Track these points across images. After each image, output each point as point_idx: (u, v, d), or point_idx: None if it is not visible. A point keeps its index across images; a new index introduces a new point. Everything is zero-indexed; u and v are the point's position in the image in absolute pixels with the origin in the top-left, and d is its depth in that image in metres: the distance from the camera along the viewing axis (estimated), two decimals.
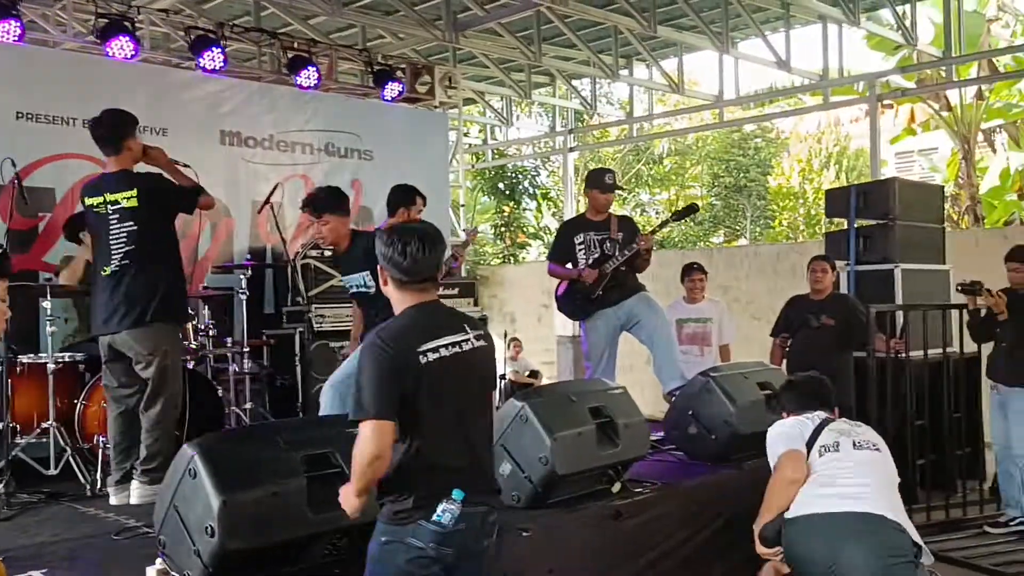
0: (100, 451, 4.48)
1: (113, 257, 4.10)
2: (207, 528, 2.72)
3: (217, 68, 7.20)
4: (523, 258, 19.09)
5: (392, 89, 8.38)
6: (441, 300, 2.66)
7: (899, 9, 9.89)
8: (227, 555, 2.73)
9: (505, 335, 11.00)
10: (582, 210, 6.33)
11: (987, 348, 5.61)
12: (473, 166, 15.98)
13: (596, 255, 5.43)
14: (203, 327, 5.45)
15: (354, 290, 4.50)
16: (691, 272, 6.71)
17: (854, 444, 3.44)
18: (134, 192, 4.09)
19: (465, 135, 13.39)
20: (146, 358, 4.08)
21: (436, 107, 9.07)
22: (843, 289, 6.42)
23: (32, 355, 4.80)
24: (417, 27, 9.12)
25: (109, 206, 4.12)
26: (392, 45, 10.03)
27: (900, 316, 6.01)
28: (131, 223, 4.09)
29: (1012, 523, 5.30)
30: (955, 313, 5.83)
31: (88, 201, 4.24)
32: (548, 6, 8.70)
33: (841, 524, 3.23)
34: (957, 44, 9.38)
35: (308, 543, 2.99)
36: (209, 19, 7.96)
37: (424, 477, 2.42)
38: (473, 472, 2.49)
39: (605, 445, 3.94)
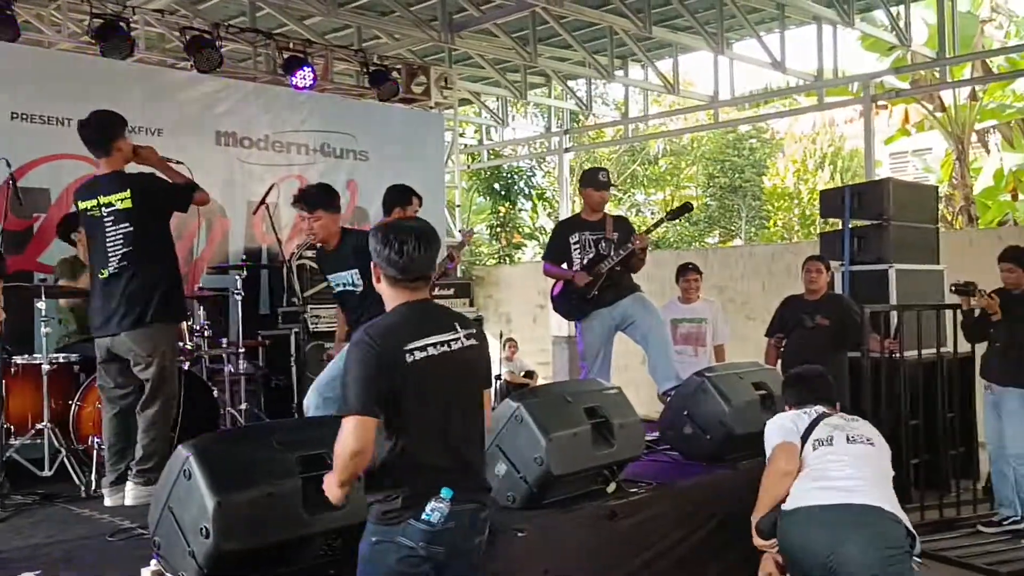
0: (95, 452, 4.47)
1: (111, 260, 4.09)
2: (202, 529, 2.72)
3: (213, 69, 7.20)
4: (519, 258, 19.09)
5: (388, 89, 8.39)
6: (434, 299, 2.66)
7: (893, 10, 9.93)
8: (222, 556, 2.73)
9: (501, 335, 11.00)
10: (577, 211, 6.34)
11: (981, 348, 5.63)
12: (469, 167, 15.98)
13: (591, 255, 5.44)
14: (198, 328, 5.45)
15: (340, 289, 4.48)
16: (686, 272, 6.72)
17: (847, 438, 3.46)
18: (128, 193, 4.07)
19: (461, 136, 13.39)
20: (145, 359, 4.07)
21: (432, 108, 9.08)
22: (838, 289, 6.43)
23: (26, 356, 4.80)
24: (413, 28, 9.12)
25: (103, 209, 4.10)
26: (388, 46, 10.03)
27: (894, 316, 6.03)
28: (127, 224, 4.08)
29: (1006, 522, 5.32)
30: (949, 313, 5.85)
31: (82, 205, 4.21)
32: (544, 7, 8.71)
33: (839, 516, 3.26)
34: (951, 45, 9.42)
35: (303, 544, 2.98)
36: (204, 19, 7.96)
37: (411, 476, 2.42)
38: (462, 470, 2.49)
39: (600, 445, 3.94)
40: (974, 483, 6.04)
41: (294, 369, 5.98)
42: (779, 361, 6.19)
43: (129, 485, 4.05)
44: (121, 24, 6.75)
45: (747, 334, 8.07)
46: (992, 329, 5.34)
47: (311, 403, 4.38)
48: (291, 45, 8.04)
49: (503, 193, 18.85)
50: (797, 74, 10.76)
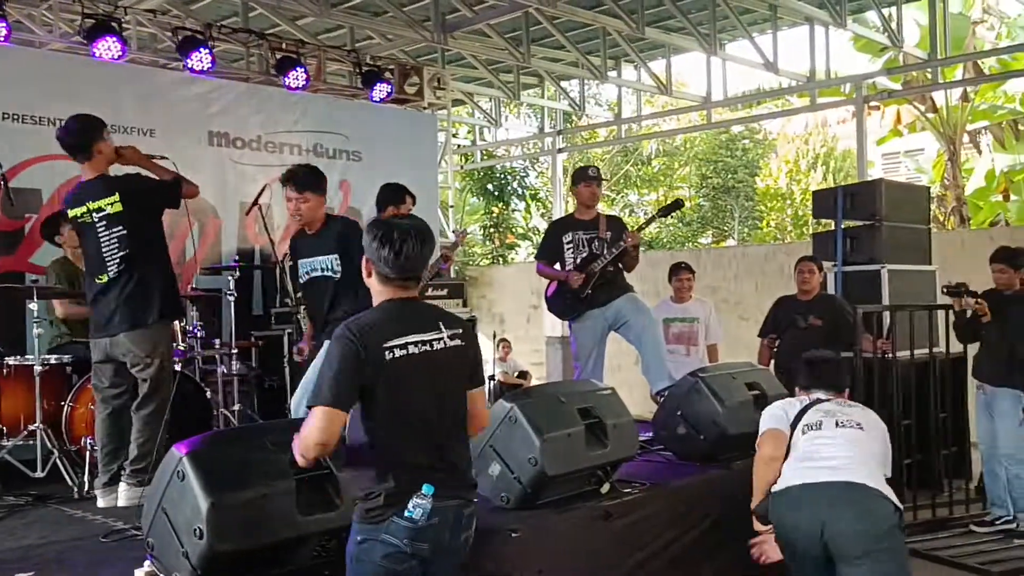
0: (87, 453, 4.46)
1: (108, 264, 4.07)
2: (195, 530, 2.71)
3: (205, 69, 7.18)
4: (512, 259, 19.10)
5: (381, 90, 8.38)
6: (428, 299, 2.66)
7: (885, 11, 9.96)
8: (216, 557, 2.72)
9: (494, 336, 11.00)
10: (570, 211, 6.35)
11: (973, 348, 5.66)
12: (462, 167, 15.98)
13: (584, 254, 5.45)
14: (191, 328, 5.44)
15: (317, 274, 4.37)
16: (679, 271, 6.73)
17: (837, 423, 3.51)
18: (117, 197, 4.05)
19: (454, 136, 13.40)
20: (144, 360, 4.07)
21: (425, 108, 9.07)
22: (830, 290, 6.45)
23: (18, 357, 4.78)
24: (405, 28, 9.12)
25: (94, 214, 4.08)
26: (380, 46, 10.02)
27: (887, 316, 6.05)
28: (120, 228, 4.06)
29: (998, 522, 5.34)
30: (941, 313, 5.88)
31: (71, 213, 4.19)
32: (536, 7, 8.71)
33: (824, 492, 3.31)
34: (942, 46, 9.45)
35: (297, 545, 2.98)
36: (197, 20, 7.94)
37: (392, 474, 2.43)
38: (444, 468, 2.50)
39: (594, 446, 3.94)
40: (966, 483, 6.06)
41: (287, 370, 5.98)
42: (772, 361, 6.20)
43: (122, 486, 4.04)
44: (113, 24, 6.73)
45: (740, 334, 8.09)
46: (984, 330, 5.36)
47: (294, 405, 4.35)
48: (284, 45, 8.02)
49: (496, 194, 18.87)
50: (789, 75, 10.79)
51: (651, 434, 5.03)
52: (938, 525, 5.47)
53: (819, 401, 3.63)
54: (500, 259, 18.73)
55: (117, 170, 4.28)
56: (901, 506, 3.36)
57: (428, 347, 2.50)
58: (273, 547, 2.91)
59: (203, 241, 7.02)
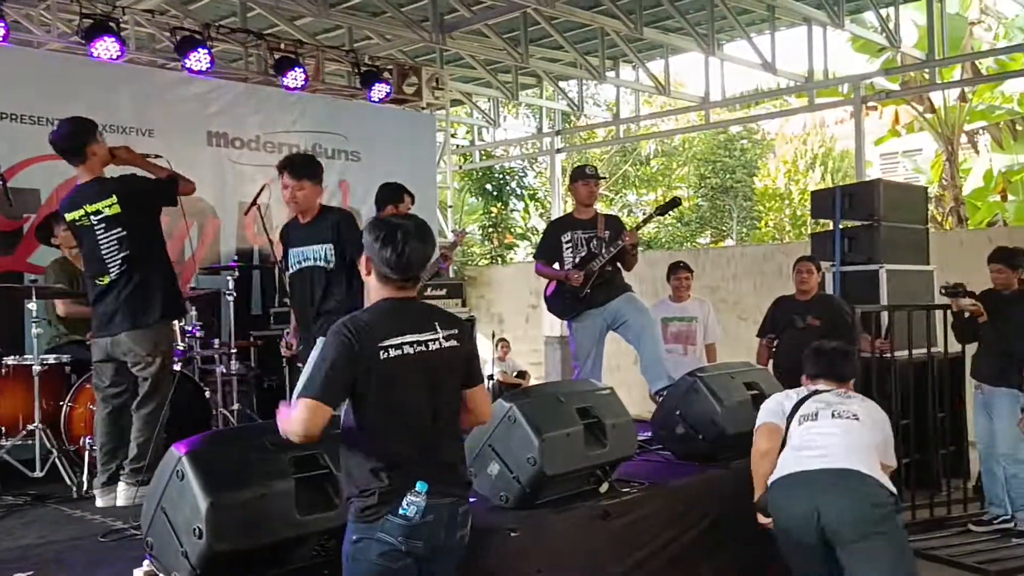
0: (86, 453, 4.46)
1: (110, 266, 4.07)
2: (195, 530, 2.71)
3: (203, 69, 7.18)
4: (511, 259, 19.10)
5: (379, 90, 8.38)
6: (426, 299, 2.67)
7: (883, 12, 9.97)
8: (215, 557, 2.72)
9: (493, 336, 11.01)
10: (569, 210, 6.36)
11: (971, 348, 5.66)
12: (461, 167, 15.98)
13: (583, 253, 5.46)
14: (190, 328, 5.44)
15: (309, 264, 4.33)
16: (677, 270, 6.74)
17: (833, 414, 3.53)
18: (114, 199, 4.05)
19: (452, 136, 13.40)
20: (146, 359, 4.07)
21: (423, 108, 9.07)
22: (828, 290, 6.46)
23: (17, 357, 4.78)
24: (404, 28, 9.12)
25: (92, 217, 4.07)
26: (379, 46, 10.02)
27: (885, 316, 6.06)
28: (119, 229, 4.06)
29: (996, 521, 5.35)
30: (939, 313, 5.88)
31: (69, 216, 4.18)
32: (535, 8, 8.72)
33: (819, 479, 3.35)
34: (940, 47, 9.46)
35: (296, 544, 2.98)
36: (195, 20, 7.94)
37: (386, 472, 2.44)
38: (438, 466, 2.51)
39: (593, 445, 3.95)
40: (964, 482, 6.08)
41: (286, 369, 5.98)
42: (771, 361, 6.21)
43: (121, 486, 4.04)
44: (111, 24, 6.73)
45: (739, 334, 8.10)
46: (982, 330, 5.37)
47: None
48: (282, 45, 8.02)
49: (495, 194, 18.87)
50: (788, 75, 10.80)
51: (650, 434, 5.03)
52: (936, 524, 5.48)
53: (817, 392, 3.66)
54: (499, 259, 18.73)
55: (112, 170, 4.27)
56: (896, 492, 3.39)
57: (423, 347, 2.51)
58: (272, 547, 2.91)
59: (202, 241, 7.02)
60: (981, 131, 15.09)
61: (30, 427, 4.55)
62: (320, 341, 3.94)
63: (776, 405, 3.72)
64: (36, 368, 4.53)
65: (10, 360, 4.74)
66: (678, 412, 4.78)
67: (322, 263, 4.30)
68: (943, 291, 5.47)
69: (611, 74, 11.47)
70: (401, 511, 2.40)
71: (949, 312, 5.60)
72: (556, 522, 3.70)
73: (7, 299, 5.16)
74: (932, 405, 5.83)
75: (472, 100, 12.73)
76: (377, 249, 2.50)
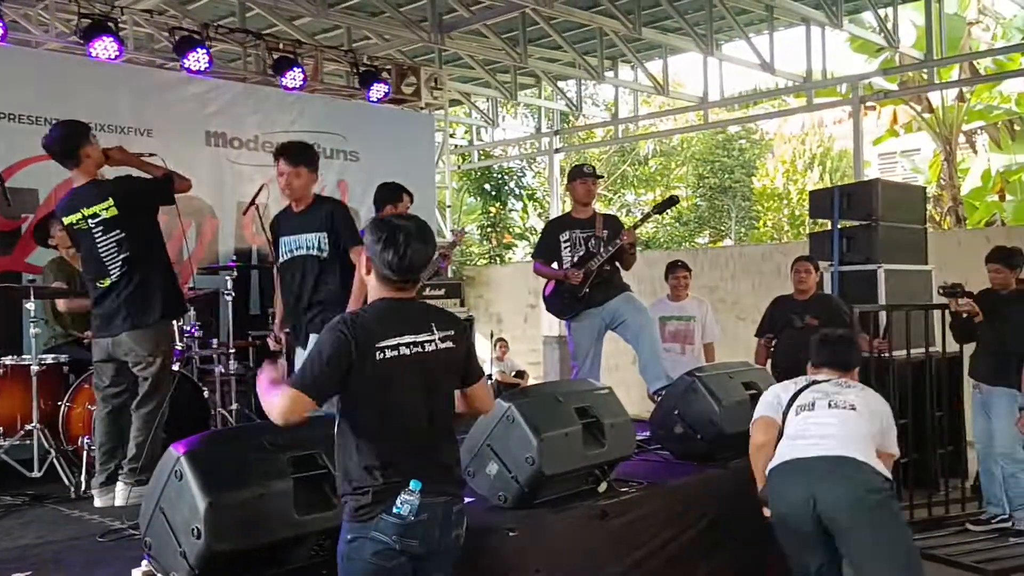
0: (84, 453, 4.46)
1: (110, 268, 4.07)
2: (193, 530, 2.71)
3: (202, 69, 7.18)
4: (509, 258, 19.10)
5: (378, 90, 8.38)
6: (425, 299, 2.67)
7: (881, 12, 9.98)
8: (213, 557, 2.72)
9: (491, 335, 11.01)
10: (567, 210, 6.36)
11: (969, 348, 5.67)
12: (459, 167, 15.98)
13: (581, 253, 5.46)
14: (189, 328, 5.43)
15: (301, 253, 4.30)
16: (675, 269, 6.75)
17: (830, 404, 3.56)
18: (111, 201, 4.04)
19: (451, 136, 13.40)
20: (146, 359, 4.07)
21: (422, 108, 9.07)
22: (827, 289, 6.46)
23: (14, 357, 4.77)
24: (402, 28, 9.12)
25: (89, 220, 4.07)
26: (378, 46, 10.02)
27: (883, 316, 6.06)
28: (117, 231, 4.06)
29: (994, 520, 5.36)
30: (937, 313, 5.89)
31: (66, 220, 4.18)
32: (533, 8, 8.72)
33: (814, 466, 3.38)
34: (938, 47, 9.48)
35: (295, 544, 2.98)
36: (193, 20, 7.94)
37: (380, 471, 2.44)
38: (432, 465, 2.51)
39: (591, 445, 3.95)
40: (962, 482, 6.08)
41: (285, 369, 5.97)
42: (769, 361, 6.21)
43: (119, 486, 4.04)
44: (109, 24, 6.72)
45: (738, 334, 8.11)
46: (980, 329, 5.38)
47: None
48: (281, 45, 8.02)
49: (493, 194, 18.87)
50: (786, 75, 10.81)
51: (648, 433, 5.03)
52: (934, 524, 5.48)
53: (816, 382, 3.68)
54: (497, 259, 18.73)
55: (108, 171, 4.27)
56: (891, 477, 3.42)
57: (420, 348, 2.52)
58: (271, 547, 2.91)
59: (200, 241, 7.01)
60: (979, 131, 15.11)
61: (28, 427, 4.55)
62: (313, 336, 3.93)
63: (773, 398, 3.75)
64: (34, 368, 4.53)
65: (8, 360, 4.74)
66: (676, 412, 4.78)
67: (315, 252, 4.28)
68: (941, 291, 5.47)
69: (610, 74, 11.48)
70: (395, 510, 2.41)
71: (947, 312, 5.61)
72: (554, 522, 3.70)
73: (5, 299, 5.16)
74: (930, 405, 5.83)
75: (471, 100, 12.73)
76: (379, 251, 2.50)
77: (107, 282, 4.08)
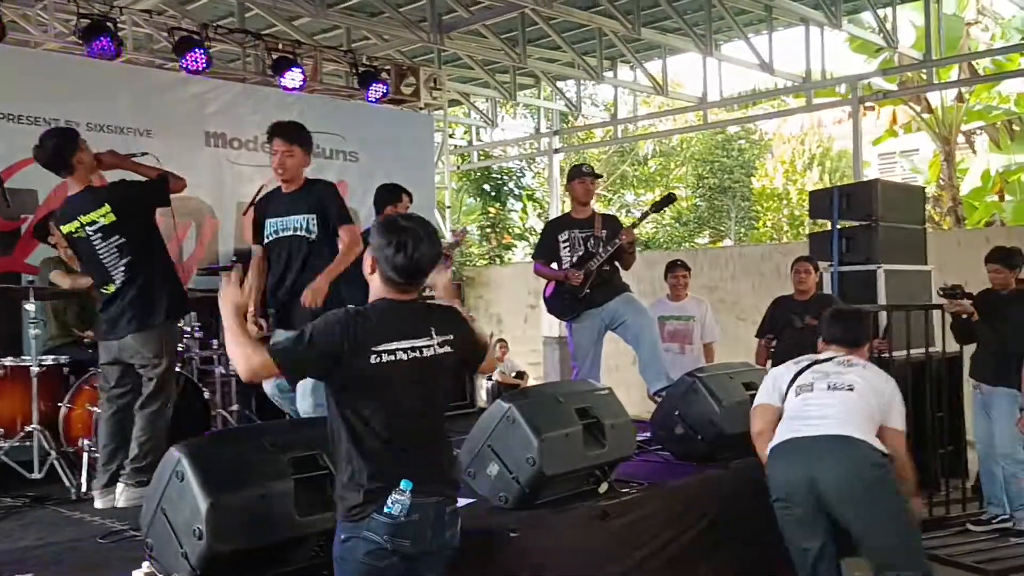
0: (85, 454, 4.45)
1: (113, 274, 4.07)
2: (195, 530, 2.71)
3: (201, 69, 7.17)
4: (509, 259, 19.11)
5: (377, 90, 8.38)
6: (421, 298, 2.65)
7: (880, 12, 9.98)
8: (215, 557, 2.72)
9: (492, 336, 10.97)
10: (567, 210, 6.36)
11: (969, 348, 5.67)
12: (459, 168, 15.98)
13: (580, 253, 5.46)
14: (189, 329, 5.43)
15: (288, 233, 4.26)
16: (674, 269, 6.75)
17: (828, 386, 3.59)
18: (107, 208, 4.03)
19: (450, 136, 13.39)
20: (152, 360, 4.07)
21: (421, 108, 9.08)
22: (827, 290, 6.46)
23: (14, 358, 4.77)
24: (402, 29, 9.11)
25: (87, 228, 4.06)
26: (377, 46, 10.02)
27: (883, 316, 6.06)
28: (117, 237, 4.05)
29: (994, 521, 5.36)
30: (937, 313, 5.89)
31: (65, 229, 4.17)
32: (532, 8, 8.72)
33: (812, 445, 3.44)
34: (937, 47, 9.49)
35: (296, 545, 2.98)
36: (193, 20, 7.93)
37: (371, 471, 2.44)
38: (423, 466, 2.51)
39: (592, 446, 3.95)
40: (963, 482, 6.08)
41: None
42: (769, 362, 6.21)
43: (120, 487, 4.03)
44: (108, 24, 6.72)
45: (738, 334, 8.10)
46: (979, 330, 5.38)
47: (306, 408, 4.31)
48: (280, 46, 8.02)
49: (493, 194, 18.87)
50: (785, 76, 10.81)
51: (649, 434, 5.03)
52: (935, 524, 5.48)
53: (818, 362, 3.71)
54: (497, 259, 18.73)
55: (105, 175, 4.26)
56: (887, 453, 3.45)
57: (418, 353, 2.52)
58: (272, 547, 2.91)
59: (200, 241, 7.02)
60: (978, 131, 15.11)
61: (28, 428, 4.54)
62: (301, 319, 3.87)
63: (771, 383, 3.80)
64: (34, 369, 4.52)
65: (8, 361, 4.74)
66: (677, 412, 4.78)
67: (303, 233, 4.25)
68: (941, 293, 5.48)
69: (609, 74, 11.47)
70: (386, 509, 2.41)
71: (948, 313, 5.61)
72: (555, 522, 3.70)
73: (5, 300, 5.15)
74: (930, 405, 5.83)
75: (470, 100, 12.73)
76: (387, 254, 2.50)
77: (112, 288, 4.08)
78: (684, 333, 6.66)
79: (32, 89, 6.21)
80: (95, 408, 4.49)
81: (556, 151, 13.33)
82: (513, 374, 11.00)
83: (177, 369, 4.91)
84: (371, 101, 8.43)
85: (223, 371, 5.65)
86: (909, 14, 11.32)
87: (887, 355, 5.76)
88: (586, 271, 5.37)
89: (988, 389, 5.34)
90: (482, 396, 9.15)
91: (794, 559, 3.56)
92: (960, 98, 13.61)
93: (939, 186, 14.78)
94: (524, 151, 18.10)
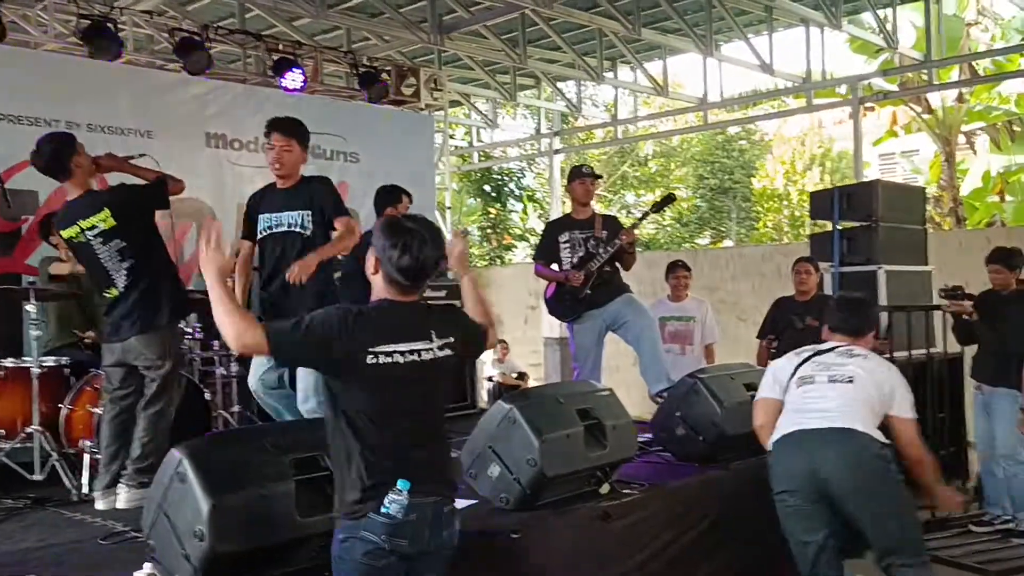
0: (86, 456, 4.45)
1: (115, 279, 4.06)
2: (196, 532, 2.71)
3: (202, 70, 7.18)
4: (509, 260, 19.11)
5: (377, 91, 8.38)
6: (421, 298, 2.65)
7: (880, 13, 9.98)
8: (217, 558, 2.72)
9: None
10: (568, 211, 6.36)
11: (971, 349, 5.67)
12: (459, 168, 15.98)
13: (581, 254, 5.46)
14: (190, 330, 5.42)
15: (283, 229, 4.24)
16: (675, 269, 6.75)
17: (829, 378, 3.61)
18: (107, 212, 4.02)
19: (451, 137, 13.40)
20: (156, 362, 4.06)
21: (422, 109, 9.08)
22: (827, 290, 6.45)
23: (14, 359, 4.76)
24: (402, 29, 9.12)
25: (87, 233, 4.05)
26: (377, 47, 10.02)
27: (884, 317, 6.06)
28: (117, 240, 4.04)
29: (996, 521, 5.36)
30: (938, 314, 5.89)
31: (65, 234, 4.16)
32: (533, 9, 8.72)
33: (813, 437, 3.47)
34: (938, 48, 9.48)
35: (297, 545, 2.98)
36: (193, 21, 7.93)
37: (369, 470, 2.44)
38: (421, 466, 2.50)
39: (593, 447, 3.94)
40: (964, 483, 6.08)
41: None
42: (770, 363, 6.20)
43: (122, 488, 4.02)
44: (108, 25, 6.72)
45: (739, 335, 8.10)
46: (979, 330, 5.38)
47: (309, 409, 4.30)
48: (280, 47, 8.02)
49: (493, 195, 18.88)
50: (785, 76, 10.81)
51: (650, 435, 5.03)
52: (936, 525, 5.47)
53: (820, 352, 3.72)
54: (497, 260, 18.74)
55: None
56: (888, 442, 3.48)
57: (416, 356, 2.51)
58: (273, 548, 2.91)
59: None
60: (979, 132, 15.11)
61: (29, 430, 4.53)
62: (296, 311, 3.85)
63: (772, 376, 3.82)
64: (35, 370, 4.52)
65: (8, 362, 4.73)
66: (678, 413, 4.78)
67: (298, 229, 4.24)
68: (942, 294, 5.48)
69: (609, 75, 11.47)
70: (383, 509, 2.41)
71: (949, 314, 5.61)
72: (557, 524, 3.69)
73: (5, 301, 5.15)
74: (931, 406, 5.83)
75: (470, 101, 12.73)
76: (391, 255, 2.49)
77: (115, 292, 4.07)
78: (685, 334, 6.66)
79: (32, 90, 6.21)
80: (96, 409, 4.48)
81: (556, 152, 13.33)
82: (514, 375, 11.01)
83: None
84: (372, 102, 8.42)
85: (224, 372, 5.64)
86: (909, 15, 11.32)
87: (888, 356, 5.75)
88: (587, 272, 5.37)
89: (989, 390, 5.34)
90: (483, 397, 9.15)
91: (795, 554, 3.57)
92: (960, 99, 13.61)
93: (940, 187, 14.78)
94: (524, 152, 18.13)
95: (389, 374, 2.46)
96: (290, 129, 4.31)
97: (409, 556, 2.45)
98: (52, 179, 4.19)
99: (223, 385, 5.65)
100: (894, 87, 11.35)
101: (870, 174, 13.91)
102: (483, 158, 17.05)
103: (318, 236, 4.23)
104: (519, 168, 19.52)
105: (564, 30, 10.02)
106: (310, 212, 4.23)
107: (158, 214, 4.29)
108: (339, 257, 6.01)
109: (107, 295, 4.10)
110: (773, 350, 6.24)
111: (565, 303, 5.50)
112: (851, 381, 3.56)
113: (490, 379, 10.75)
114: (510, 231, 19.60)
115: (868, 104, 11.61)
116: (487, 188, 18.86)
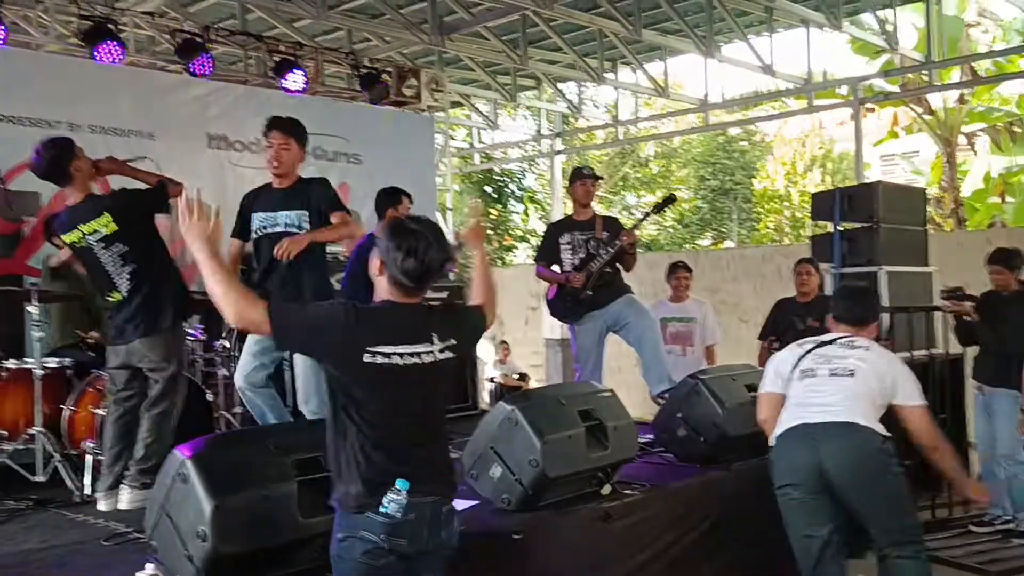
0: (88, 457, 4.45)
1: (118, 283, 4.07)
2: (199, 532, 2.72)
3: (203, 71, 7.18)
4: (510, 261, 19.12)
5: (378, 92, 8.38)
6: (423, 299, 2.65)
7: (880, 14, 9.98)
8: (220, 559, 2.73)
9: (494, 338, 11.02)
10: (569, 212, 6.37)
11: (972, 350, 5.67)
12: (460, 169, 15.98)
13: (582, 255, 5.46)
14: (192, 331, 5.43)
15: (279, 229, 4.23)
16: (676, 270, 6.75)
17: (830, 372, 3.62)
18: (108, 217, 4.03)
19: (452, 138, 13.41)
20: (160, 364, 4.07)
21: (423, 110, 9.08)
22: (828, 291, 6.45)
23: (16, 360, 4.76)
24: (403, 30, 9.12)
25: (89, 238, 4.06)
26: (378, 48, 10.03)
27: (885, 318, 6.06)
28: (119, 245, 4.05)
29: (996, 522, 5.36)
30: (939, 315, 5.89)
31: (67, 239, 4.17)
32: (533, 10, 8.72)
33: (815, 431, 3.49)
34: (938, 48, 9.48)
35: (300, 546, 2.99)
36: (194, 22, 7.94)
37: (368, 470, 2.45)
38: (420, 465, 2.51)
39: (595, 448, 3.95)
40: None
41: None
42: None
43: (124, 489, 4.03)
44: (110, 26, 6.73)
45: (740, 336, 8.10)
46: (979, 331, 5.38)
47: (312, 409, 4.30)
48: (282, 48, 8.03)
49: (494, 196, 18.89)
50: (786, 77, 10.81)
51: (651, 436, 5.03)
52: (937, 526, 5.48)
53: (822, 344, 3.73)
54: (498, 261, 18.74)
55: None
56: (889, 435, 3.50)
57: (417, 359, 2.51)
58: (276, 549, 2.92)
59: None
60: (979, 133, 15.12)
61: (31, 431, 4.53)
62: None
63: (773, 371, 3.83)
64: (37, 372, 4.52)
65: (10, 363, 4.73)
66: (680, 414, 4.78)
67: (294, 229, 4.23)
68: (943, 294, 5.48)
69: (610, 76, 11.48)
70: (382, 508, 2.42)
71: (951, 315, 5.62)
72: (558, 524, 3.70)
73: (7, 302, 5.15)
74: (933, 406, 5.81)
75: (471, 102, 12.74)
76: (396, 257, 2.49)
77: (118, 296, 4.08)
78: (686, 335, 6.66)
79: (34, 91, 6.21)
80: (98, 410, 4.49)
81: (557, 153, 13.34)
82: (515, 376, 11.02)
83: None
84: (373, 103, 8.43)
85: (226, 373, 5.65)
86: (909, 16, 11.32)
87: None
88: (587, 273, 5.37)
89: (989, 390, 5.35)
90: (484, 398, 9.16)
91: (796, 551, 3.57)
92: (961, 100, 13.62)
93: (940, 188, 14.79)
94: (525, 153, 18.12)
95: (389, 375, 2.46)
96: (289, 128, 4.32)
97: (408, 556, 2.45)
98: (55, 185, 4.20)
99: (225, 386, 5.65)
100: (895, 88, 11.35)
101: (871, 175, 13.92)
102: (484, 159, 17.05)
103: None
104: (520, 169, 19.53)
105: (565, 31, 10.02)
106: (307, 213, 4.23)
107: (160, 216, 4.30)
108: (340, 258, 6.04)
109: (110, 299, 4.11)
110: (774, 351, 6.24)
111: (566, 304, 5.50)
112: (852, 374, 3.57)
113: (491, 380, 10.76)
114: (511, 232, 19.61)
115: (869, 105, 11.63)
116: (488, 189, 18.87)
